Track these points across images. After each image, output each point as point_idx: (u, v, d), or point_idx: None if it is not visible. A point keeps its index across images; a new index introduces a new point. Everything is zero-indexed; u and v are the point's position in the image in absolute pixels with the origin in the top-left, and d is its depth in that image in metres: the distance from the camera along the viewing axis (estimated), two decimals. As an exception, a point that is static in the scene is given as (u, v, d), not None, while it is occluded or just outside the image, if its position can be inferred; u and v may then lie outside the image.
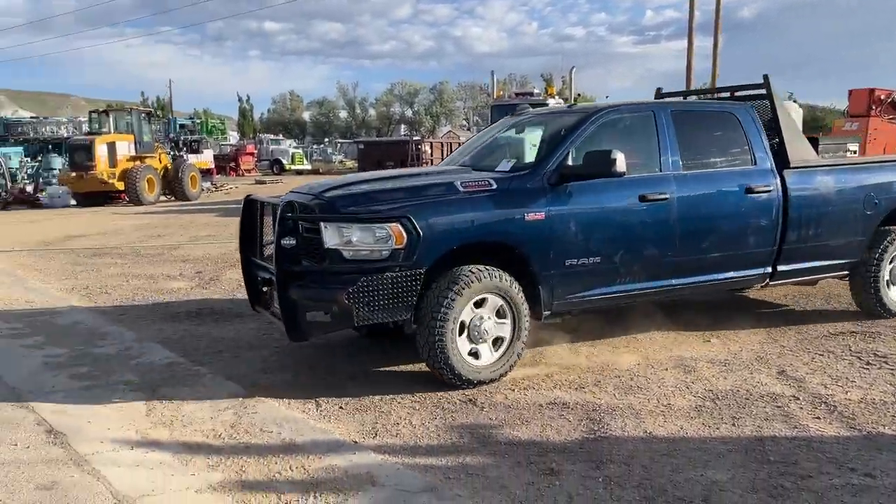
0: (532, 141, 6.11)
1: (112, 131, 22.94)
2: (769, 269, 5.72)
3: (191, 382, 4.86)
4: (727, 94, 6.77)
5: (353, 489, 3.35)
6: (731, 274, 5.54)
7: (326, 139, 72.56)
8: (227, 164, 40.74)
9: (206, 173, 28.55)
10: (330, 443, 3.88)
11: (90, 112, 26.51)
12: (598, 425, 4.08)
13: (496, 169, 5.14)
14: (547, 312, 4.92)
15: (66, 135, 34.08)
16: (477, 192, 4.71)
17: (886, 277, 6.17)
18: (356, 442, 3.90)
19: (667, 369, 5.07)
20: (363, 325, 4.49)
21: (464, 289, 4.48)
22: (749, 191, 5.47)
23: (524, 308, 4.75)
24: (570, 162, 4.92)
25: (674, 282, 5.33)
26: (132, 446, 3.81)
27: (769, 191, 5.54)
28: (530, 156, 5.70)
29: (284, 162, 45.54)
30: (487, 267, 4.62)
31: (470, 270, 4.54)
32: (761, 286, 5.94)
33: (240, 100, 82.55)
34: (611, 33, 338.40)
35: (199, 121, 48.59)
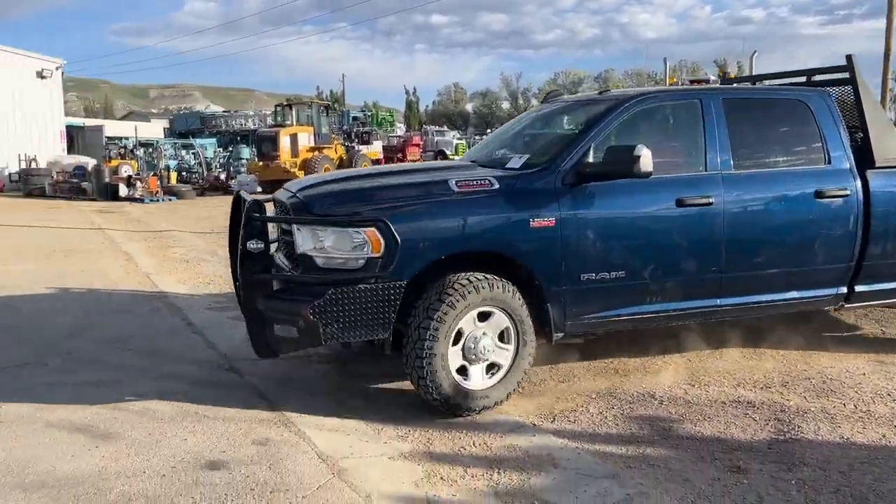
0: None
1: (294, 124, 24.64)
2: (843, 290, 4.84)
3: (378, 358, 5.20)
4: (804, 79, 5.81)
5: (535, 469, 3.46)
6: (794, 294, 4.72)
7: (489, 130, 73.32)
8: (394, 154, 42.27)
9: (376, 163, 29.92)
10: (510, 423, 4.02)
11: (275, 106, 28.61)
12: (788, 427, 3.92)
13: (506, 166, 4.52)
14: (559, 335, 4.28)
15: (252, 127, 37.02)
16: (473, 193, 4.07)
17: None
18: (535, 424, 4.01)
19: (864, 374, 4.73)
20: (335, 342, 3.94)
21: (458, 300, 3.88)
22: (819, 195, 4.63)
23: (529, 328, 4.14)
24: (590, 159, 4.24)
25: (718, 302, 4.58)
26: (329, 414, 4.16)
27: (846, 195, 4.67)
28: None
29: (448, 152, 46.59)
30: (487, 275, 4.02)
31: (467, 279, 3.95)
32: (834, 309, 5.23)
33: (406, 92, 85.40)
34: (794, 14, 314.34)
35: (369, 113, 50.93)
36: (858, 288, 4.85)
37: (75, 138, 32.91)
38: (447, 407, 3.99)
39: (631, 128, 4.51)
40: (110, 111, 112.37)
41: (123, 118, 71.72)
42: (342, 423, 4.02)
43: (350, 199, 4.17)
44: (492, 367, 4.13)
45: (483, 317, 4.04)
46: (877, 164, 4.79)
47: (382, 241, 3.76)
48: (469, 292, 3.91)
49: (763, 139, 4.86)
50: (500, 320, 4.07)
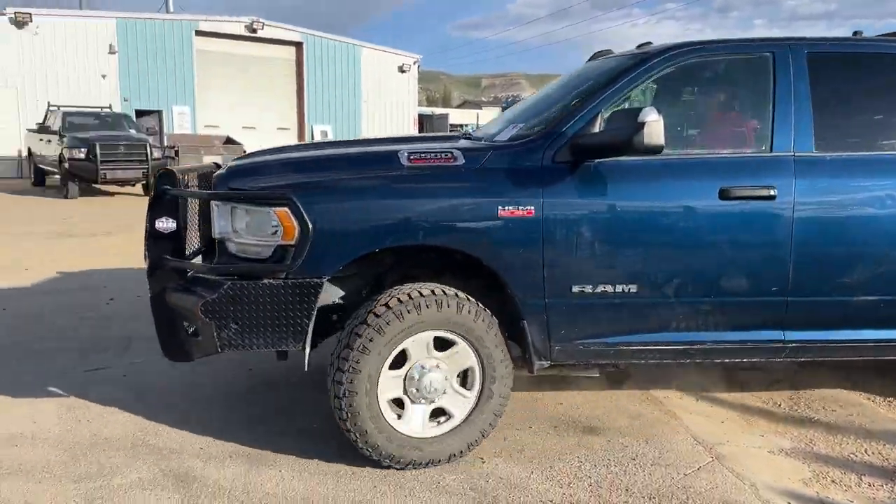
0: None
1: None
2: None
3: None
4: None
5: (950, 490, 3.10)
6: None
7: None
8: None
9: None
10: (907, 436, 3.64)
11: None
12: None
13: (495, 138, 3.56)
14: (542, 362, 3.30)
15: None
16: (426, 170, 3.16)
17: None
18: (940, 441, 3.57)
19: None
20: (233, 349, 3.11)
21: (389, 322, 3.01)
22: None
23: (501, 363, 3.20)
24: (595, 130, 3.17)
25: (784, 336, 3.39)
26: (697, 398, 4.15)
27: None
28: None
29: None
30: (438, 287, 3.12)
31: (408, 294, 3.06)
32: None
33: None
34: None
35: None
36: None
37: (425, 125, 36.93)
38: (377, 455, 3.14)
39: (664, 90, 3.60)
40: (448, 100, 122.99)
41: (459, 107, 78.03)
42: (711, 410, 4.00)
43: (275, 171, 3.29)
44: (440, 413, 3.24)
45: (443, 345, 3.18)
46: None
47: (296, 225, 2.94)
48: (408, 311, 3.02)
49: (867, 110, 3.62)
50: (463, 355, 3.18)
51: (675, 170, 3.27)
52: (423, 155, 3.22)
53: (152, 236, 3.16)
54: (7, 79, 22.88)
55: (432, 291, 3.08)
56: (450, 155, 3.21)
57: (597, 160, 3.15)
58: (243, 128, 26.22)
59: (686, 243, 3.22)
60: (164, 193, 3.17)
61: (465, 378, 3.23)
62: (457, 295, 3.11)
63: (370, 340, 3.00)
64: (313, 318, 3.03)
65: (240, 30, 26.79)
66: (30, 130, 20.42)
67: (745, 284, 3.28)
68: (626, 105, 3.35)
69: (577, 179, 3.14)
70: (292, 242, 2.95)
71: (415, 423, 3.17)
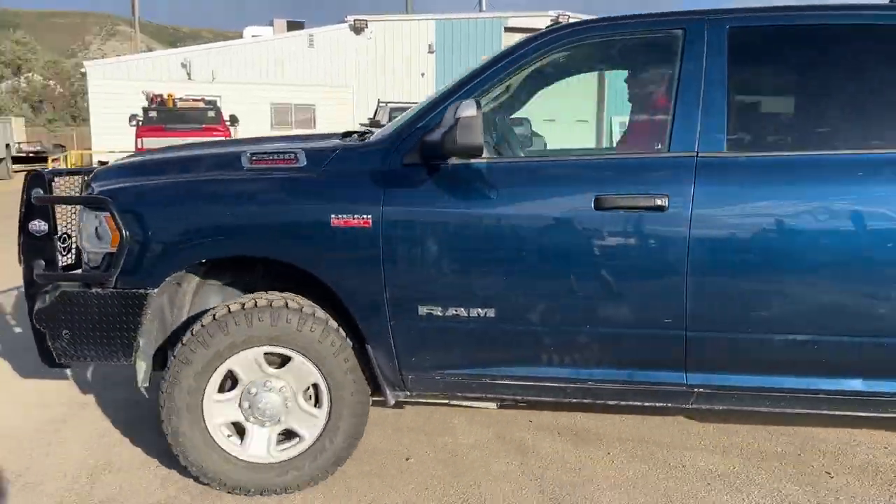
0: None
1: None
2: None
3: None
4: None
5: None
6: (857, 385, 2.62)
7: None
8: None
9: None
10: None
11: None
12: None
13: (368, 139, 3.07)
14: (398, 393, 2.90)
15: None
16: (263, 173, 2.80)
17: None
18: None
19: None
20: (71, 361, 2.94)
21: (211, 335, 2.72)
22: None
23: (352, 384, 2.82)
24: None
25: (688, 380, 2.68)
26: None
27: None
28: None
29: None
30: (285, 299, 2.79)
31: (240, 305, 2.77)
32: None
33: None
34: None
35: None
36: None
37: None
38: (217, 484, 2.88)
39: (550, 79, 3.18)
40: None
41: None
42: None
43: (123, 174, 3.03)
44: (291, 436, 2.91)
45: (281, 360, 2.85)
46: None
47: (117, 232, 2.73)
48: (235, 323, 2.74)
49: (806, 99, 2.83)
50: (304, 371, 2.82)
51: (544, 174, 2.77)
52: (265, 156, 2.89)
53: (29, 239, 2.96)
54: (346, 80, 26.69)
55: (269, 303, 2.79)
56: (292, 156, 2.86)
57: (451, 163, 2.67)
58: (544, 121, 26.83)
59: (554, 262, 2.66)
60: (32, 198, 2.94)
61: (317, 395, 2.90)
62: (301, 310, 2.78)
63: (192, 352, 2.77)
64: (142, 332, 2.82)
65: (546, 24, 27.29)
66: (361, 125, 23.54)
67: (630, 314, 2.67)
68: (504, 97, 3.07)
69: (425, 185, 2.70)
70: (115, 250, 2.77)
71: (258, 447, 2.88)
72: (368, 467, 3.14)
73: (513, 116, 3.37)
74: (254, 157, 2.87)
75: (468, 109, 2.46)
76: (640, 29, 2.88)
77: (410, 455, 3.28)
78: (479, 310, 2.68)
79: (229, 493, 2.89)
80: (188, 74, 25.90)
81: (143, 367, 2.87)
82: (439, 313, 2.70)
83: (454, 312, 2.69)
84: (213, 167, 2.97)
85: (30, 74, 57.21)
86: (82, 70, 30.48)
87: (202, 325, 2.77)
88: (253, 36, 30.01)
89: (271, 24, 31.52)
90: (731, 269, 2.56)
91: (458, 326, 2.72)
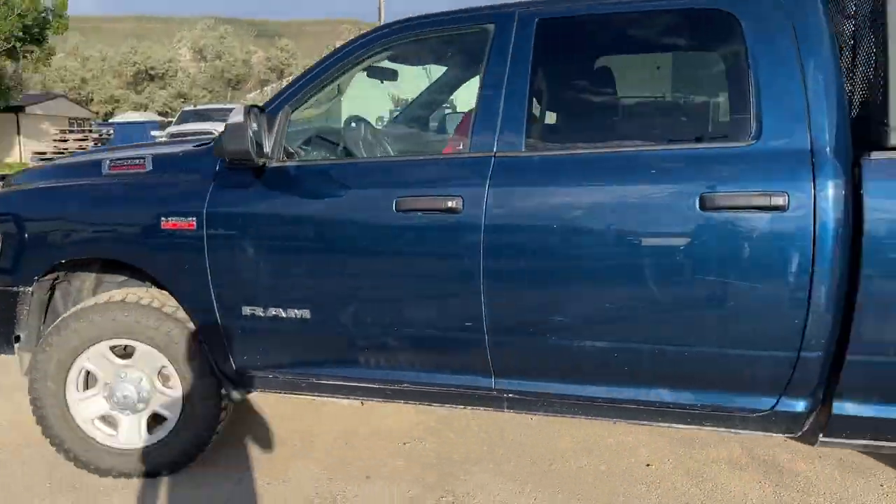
0: None
1: None
2: (790, 401, 2.37)
3: None
4: None
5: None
6: (665, 395, 2.49)
7: None
8: None
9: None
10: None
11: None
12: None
13: None
14: (237, 391, 3.00)
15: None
16: (115, 178, 3.00)
17: None
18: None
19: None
20: None
21: (61, 330, 2.91)
22: (710, 205, 2.27)
23: (198, 368, 2.91)
24: (277, 129, 2.75)
25: (496, 384, 2.66)
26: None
27: (777, 206, 2.20)
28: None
29: None
30: (123, 294, 2.95)
31: (93, 303, 2.97)
32: (786, 437, 2.49)
33: None
34: None
35: None
36: (844, 406, 2.31)
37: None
38: (99, 473, 3.05)
39: (367, 78, 3.17)
40: None
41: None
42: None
43: (14, 178, 3.50)
44: (160, 419, 3.04)
45: (130, 351, 3.01)
46: (891, 142, 2.18)
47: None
48: (79, 321, 2.91)
49: (604, 91, 2.79)
50: (152, 356, 2.94)
51: (354, 176, 2.76)
52: (120, 162, 3.04)
53: None
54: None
55: (108, 301, 2.93)
56: (141, 161, 2.99)
57: (268, 166, 2.73)
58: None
59: (360, 265, 2.68)
60: None
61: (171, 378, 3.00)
62: (139, 304, 2.89)
63: (49, 345, 2.94)
64: (21, 326, 3.03)
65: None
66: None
67: (433, 317, 2.65)
68: (329, 98, 3.16)
69: (242, 189, 2.76)
70: None
71: (130, 434, 3.00)
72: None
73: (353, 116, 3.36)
74: (112, 164, 3.05)
75: (236, 116, 2.52)
76: (458, 24, 2.75)
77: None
78: (295, 311, 2.73)
79: (113, 477, 3.03)
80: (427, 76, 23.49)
81: (25, 359, 3.04)
82: (261, 314, 2.76)
83: (273, 313, 2.74)
84: (78, 174, 3.15)
85: (291, 77, 58.95)
86: None
87: (54, 325, 2.93)
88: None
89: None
90: (523, 273, 2.50)
91: (279, 327, 2.76)
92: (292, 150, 2.86)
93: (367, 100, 4.02)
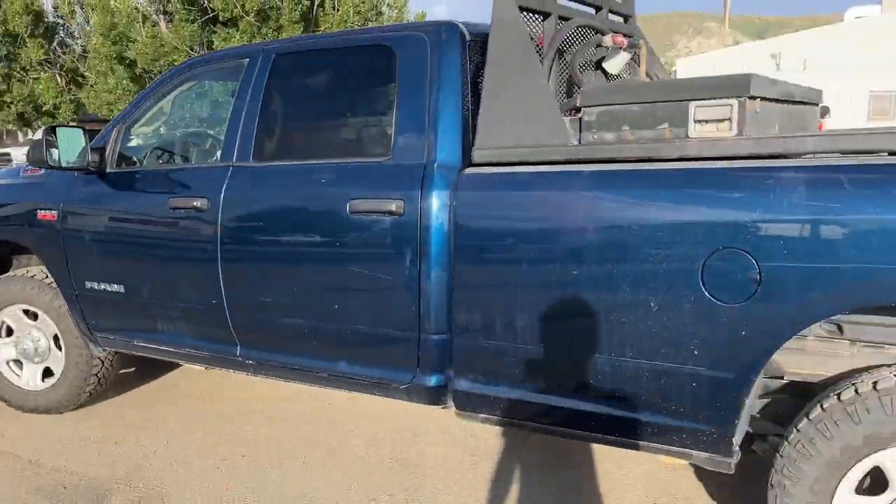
0: None
1: None
2: (421, 377, 2.71)
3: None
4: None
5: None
6: (343, 366, 2.90)
7: None
8: None
9: None
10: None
11: None
12: None
13: None
14: (98, 350, 3.67)
15: None
16: (25, 178, 3.80)
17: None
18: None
19: None
20: None
21: None
22: (356, 210, 2.69)
23: (74, 334, 3.66)
24: (111, 142, 3.43)
25: (238, 353, 3.17)
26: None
27: (396, 213, 2.61)
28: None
29: None
30: (31, 270, 3.80)
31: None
32: (443, 407, 2.81)
33: None
34: None
35: None
36: (461, 383, 2.65)
37: None
38: (12, 405, 3.93)
39: (183, 101, 3.89)
40: None
41: None
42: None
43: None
44: (49, 373, 3.85)
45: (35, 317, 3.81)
46: (475, 160, 2.56)
47: None
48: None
49: (309, 114, 3.22)
50: (49, 324, 3.74)
51: (146, 181, 3.40)
52: (29, 167, 3.75)
53: None
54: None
55: (20, 275, 3.78)
56: (38, 168, 3.63)
57: (107, 171, 3.43)
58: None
59: (145, 252, 3.35)
60: None
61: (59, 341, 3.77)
62: (34, 277, 3.72)
63: None
64: None
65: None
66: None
67: (194, 295, 3.21)
68: (157, 118, 3.78)
69: (88, 188, 3.45)
70: None
71: (28, 378, 3.87)
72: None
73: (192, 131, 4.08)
74: (27, 167, 3.75)
75: (38, 134, 3.34)
76: (231, 58, 3.38)
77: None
78: (115, 286, 3.42)
79: (27, 412, 3.89)
80: (777, 65, 24.59)
81: None
82: (96, 287, 3.48)
83: (103, 287, 3.45)
84: (8, 176, 4.13)
85: None
86: (673, 68, 30.08)
87: None
88: (856, 18, 27.87)
89: (879, 1, 29.09)
90: (245, 259, 3.01)
91: (106, 298, 3.46)
92: (134, 159, 3.56)
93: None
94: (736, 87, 2.16)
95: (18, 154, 24.71)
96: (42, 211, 3.56)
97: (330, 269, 2.82)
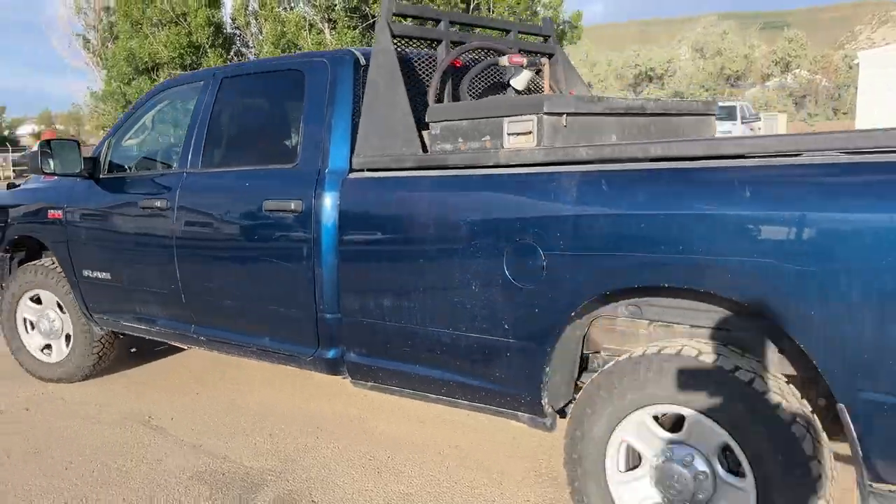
0: None
1: None
2: (325, 352, 3.27)
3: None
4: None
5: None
6: (266, 342, 3.52)
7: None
8: None
9: None
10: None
11: None
12: None
13: None
14: (98, 329, 4.40)
15: None
16: (45, 183, 4.58)
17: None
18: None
19: None
20: None
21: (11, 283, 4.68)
22: (268, 209, 3.31)
23: (77, 313, 4.42)
24: (104, 152, 4.18)
25: (192, 330, 3.82)
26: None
27: (296, 212, 3.19)
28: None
29: None
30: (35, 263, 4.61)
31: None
32: (343, 377, 3.35)
33: None
34: None
35: None
36: (350, 356, 3.20)
37: None
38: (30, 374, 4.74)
39: (161, 118, 4.47)
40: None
41: None
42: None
43: None
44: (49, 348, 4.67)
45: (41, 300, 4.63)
46: (353, 166, 3.10)
47: None
48: (22, 274, 4.63)
49: (243, 127, 3.96)
50: (53, 302, 4.55)
51: (124, 185, 4.08)
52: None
53: None
54: None
55: (34, 263, 4.63)
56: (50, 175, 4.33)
57: (100, 177, 4.15)
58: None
59: (123, 244, 4.01)
60: None
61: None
62: (46, 266, 4.51)
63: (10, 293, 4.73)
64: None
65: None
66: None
67: (158, 281, 3.83)
68: (141, 132, 4.42)
69: (85, 191, 4.18)
70: None
71: (56, 352, 4.64)
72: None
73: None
74: (45, 173, 4.30)
75: (34, 148, 4.15)
76: (191, 81, 4.04)
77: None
78: (103, 273, 4.12)
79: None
80: None
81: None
82: (90, 275, 4.19)
83: (95, 275, 4.16)
84: (33, 182, 4.79)
85: (797, 70, 57.72)
86: (854, 61, 29.66)
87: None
88: None
89: None
90: (193, 248, 3.65)
91: (98, 284, 4.16)
92: (124, 166, 4.24)
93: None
94: (533, 106, 2.59)
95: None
96: (51, 210, 4.34)
97: (252, 259, 3.42)
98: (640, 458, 2.45)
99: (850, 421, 1.99)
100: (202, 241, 3.64)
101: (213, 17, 28.88)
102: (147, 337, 4.19)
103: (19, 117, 69.65)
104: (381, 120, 2.99)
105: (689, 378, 2.25)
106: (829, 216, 1.97)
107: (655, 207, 2.24)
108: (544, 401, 2.66)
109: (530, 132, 2.59)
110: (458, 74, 3.45)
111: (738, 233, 2.09)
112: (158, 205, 3.74)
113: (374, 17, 22.92)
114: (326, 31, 25.55)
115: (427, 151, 2.97)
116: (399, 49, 3.19)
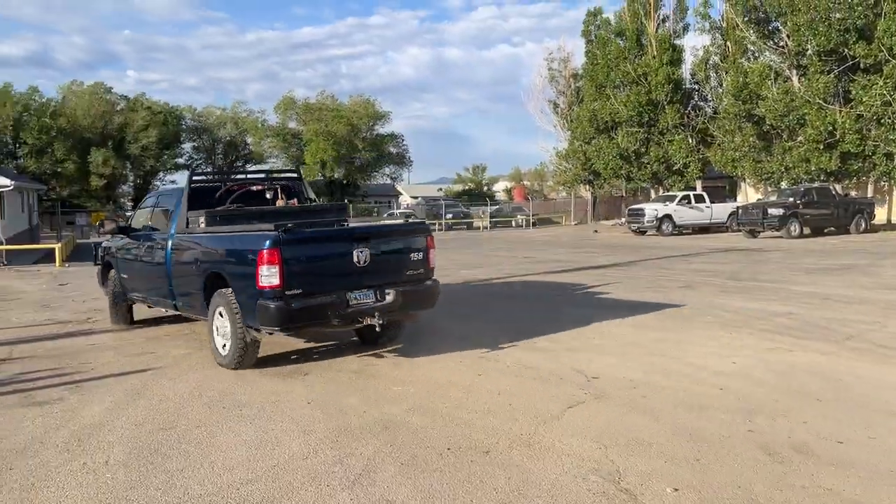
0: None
1: None
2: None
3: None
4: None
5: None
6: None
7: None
8: None
9: None
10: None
11: None
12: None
13: None
14: (128, 300, 9.68)
15: None
16: (108, 237, 10.07)
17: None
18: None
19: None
20: None
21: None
22: (160, 244, 8.36)
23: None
24: (133, 221, 9.72)
25: (172, 302, 8.37)
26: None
27: (165, 246, 8.20)
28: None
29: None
30: None
31: None
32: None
33: None
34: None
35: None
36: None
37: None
38: None
39: (164, 205, 8.99)
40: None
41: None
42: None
43: None
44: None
45: None
46: (176, 231, 8.11)
47: None
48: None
49: (169, 215, 8.52)
50: None
51: (142, 237, 9.12)
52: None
53: None
54: None
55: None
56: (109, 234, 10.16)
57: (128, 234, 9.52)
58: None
59: (137, 263, 9.10)
60: None
61: None
62: None
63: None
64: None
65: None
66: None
67: (157, 287, 8.64)
68: (152, 214, 9.36)
69: (125, 239, 9.46)
70: None
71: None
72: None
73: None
74: (101, 229, 9.89)
75: (107, 227, 9.69)
76: (174, 190, 9.37)
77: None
78: (127, 276, 9.59)
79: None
80: None
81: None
82: (124, 277, 9.74)
83: (124, 276, 9.74)
84: (105, 238, 10.61)
85: None
86: None
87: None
88: None
89: None
90: (181, 265, 8.02)
91: (126, 282, 9.71)
92: (138, 228, 9.54)
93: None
94: (199, 212, 8.17)
95: (649, 208, 26.07)
96: (110, 250, 9.90)
97: (159, 265, 8.51)
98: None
99: None
100: (180, 262, 7.92)
101: (673, 74, 28.43)
102: (151, 307, 9.54)
103: (495, 175, 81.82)
104: (174, 217, 8.43)
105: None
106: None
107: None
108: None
109: (203, 218, 7.89)
110: (227, 196, 8.63)
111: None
112: (161, 243, 8.44)
113: (853, 58, 21.29)
114: (794, 78, 23.98)
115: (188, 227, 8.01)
116: (194, 187, 8.60)
